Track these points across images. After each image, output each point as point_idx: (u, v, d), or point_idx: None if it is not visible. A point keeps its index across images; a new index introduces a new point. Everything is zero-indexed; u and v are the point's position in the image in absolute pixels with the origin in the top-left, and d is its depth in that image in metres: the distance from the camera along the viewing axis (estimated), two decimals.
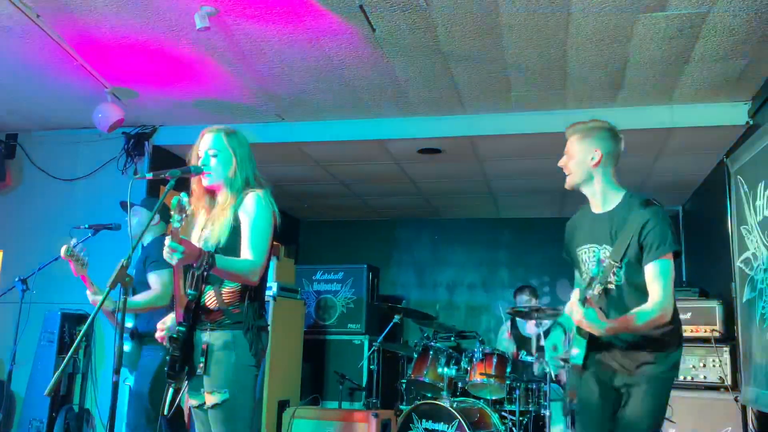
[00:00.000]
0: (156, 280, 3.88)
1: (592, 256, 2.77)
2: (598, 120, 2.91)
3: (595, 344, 2.72)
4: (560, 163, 2.88)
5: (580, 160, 2.83)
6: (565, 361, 2.93)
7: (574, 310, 2.52)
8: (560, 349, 2.96)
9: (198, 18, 3.62)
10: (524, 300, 5.98)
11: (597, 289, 2.53)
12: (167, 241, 2.43)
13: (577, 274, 3.00)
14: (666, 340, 2.68)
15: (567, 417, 5.16)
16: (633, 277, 2.66)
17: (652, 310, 2.57)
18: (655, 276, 2.60)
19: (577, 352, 2.70)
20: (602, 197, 2.82)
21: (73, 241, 3.64)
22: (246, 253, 2.67)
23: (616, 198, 2.80)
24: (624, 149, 2.91)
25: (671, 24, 3.71)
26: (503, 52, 4.11)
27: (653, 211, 2.64)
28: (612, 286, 2.70)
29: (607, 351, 2.73)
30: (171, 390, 2.66)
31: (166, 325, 2.78)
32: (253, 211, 2.71)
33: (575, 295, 2.54)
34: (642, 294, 2.62)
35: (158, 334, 2.79)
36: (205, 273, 2.58)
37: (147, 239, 4.15)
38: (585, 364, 2.73)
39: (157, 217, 4.10)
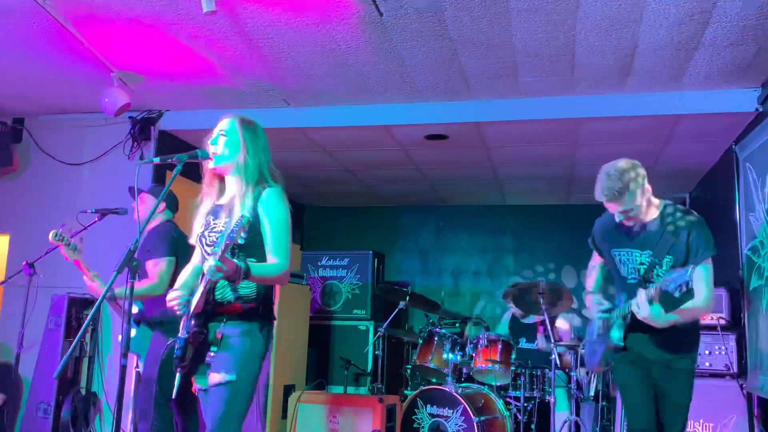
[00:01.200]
0: (153, 268, 3.87)
1: (634, 259, 3.15)
2: (623, 161, 3.12)
3: (632, 330, 3.11)
4: (625, 214, 3.06)
5: (643, 199, 3.08)
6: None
7: (642, 307, 2.87)
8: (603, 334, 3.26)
9: (204, 2, 3.60)
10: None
11: (656, 290, 2.85)
12: (211, 260, 2.45)
13: (596, 257, 3.47)
14: (694, 336, 3.21)
15: (572, 401, 5.15)
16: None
17: (703, 304, 3.01)
18: (701, 277, 3.00)
19: (619, 335, 3.10)
20: (644, 210, 3.10)
21: (62, 227, 3.63)
22: (271, 256, 2.70)
23: (656, 209, 3.15)
24: None
25: (681, 9, 3.68)
26: (511, 37, 4.09)
27: (698, 220, 3.07)
28: (650, 283, 3.05)
29: (644, 341, 3.11)
30: (179, 376, 2.68)
31: (178, 295, 2.76)
32: (275, 211, 2.72)
33: (642, 294, 2.87)
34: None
35: (170, 304, 2.77)
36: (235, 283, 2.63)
37: (153, 225, 4.14)
38: (624, 345, 3.13)
39: (163, 204, 4.09)
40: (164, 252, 3.88)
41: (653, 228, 3.11)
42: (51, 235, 3.58)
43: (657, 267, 3.06)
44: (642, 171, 3.10)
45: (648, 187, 3.10)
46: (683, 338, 3.11)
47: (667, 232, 3.05)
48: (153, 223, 4.10)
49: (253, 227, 2.68)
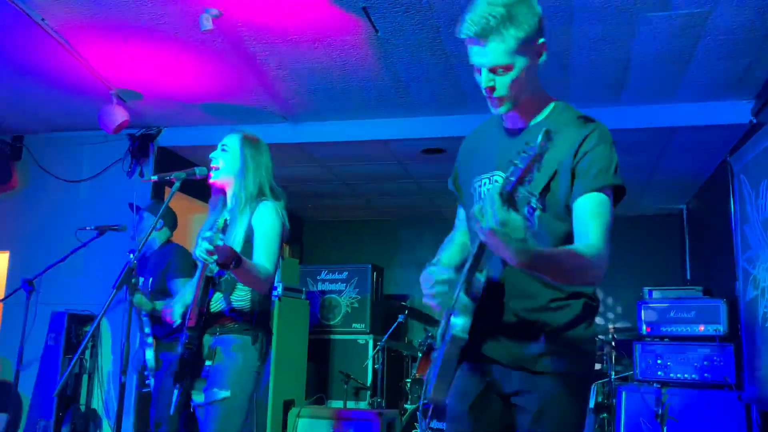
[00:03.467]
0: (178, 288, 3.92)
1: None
2: None
3: (484, 318, 1.76)
4: (486, 87, 1.82)
5: (526, 67, 1.79)
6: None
7: (487, 211, 1.46)
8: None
9: (203, 20, 3.64)
10: None
11: (510, 181, 1.48)
12: (201, 242, 2.41)
13: (461, 212, 2.18)
14: (580, 316, 1.82)
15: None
16: (551, 224, 1.77)
17: (594, 251, 1.67)
18: (590, 215, 1.72)
19: (463, 322, 1.73)
20: (526, 106, 1.90)
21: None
22: (258, 261, 2.70)
23: (543, 107, 1.93)
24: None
25: (674, 23, 3.72)
26: None
27: (598, 127, 1.80)
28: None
29: (493, 332, 1.82)
30: (176, 391, 2.68)
31: (176, 307, 2.82)
32: (265, 223, 2.74)
33: (491, 192, 1.48)
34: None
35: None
36: (229, 270, 2.55)
37: (152, 246, 4.17)
38: (475, 343, 1.78)
39: (161, 223, 4.13)
40: (188, 273, 3.91)
41: (533, 136, 1.58)
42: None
43: (536, 207, 1.58)
44: (538, 14, 1.76)
45: (537, 64, 1.82)
46: (560, 321, 1.79)
47: (554, 143, 1.53)
48: (157, 241, 4.14)
49: (248, 240, 2.71)
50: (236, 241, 2.70)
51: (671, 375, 4.95)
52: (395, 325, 5.85)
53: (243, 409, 2.67)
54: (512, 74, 1.77)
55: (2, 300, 4.95)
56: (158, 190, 5.49)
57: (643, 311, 5.26)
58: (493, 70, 1.77)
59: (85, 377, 5.27)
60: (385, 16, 3.72)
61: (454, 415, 1.91)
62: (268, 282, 2.71)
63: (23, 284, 4.43)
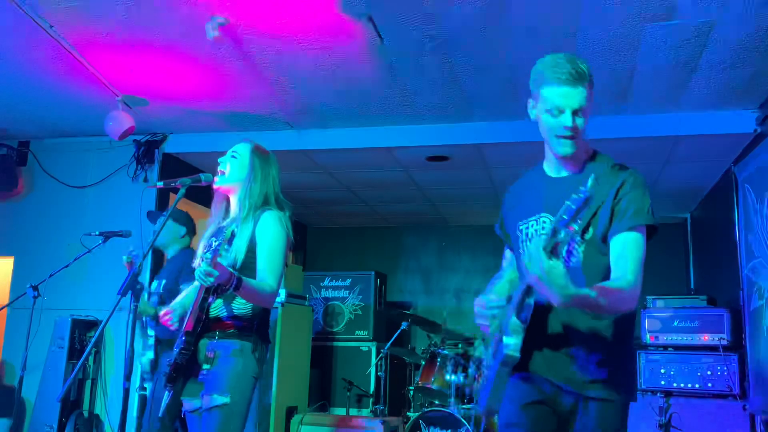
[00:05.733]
0: None
1: (542, 231, 2.09)
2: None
3: (534, 340, 2.00)
4: (570, 126, 2.07)
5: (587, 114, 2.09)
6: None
7: (534, 257, 1.73)
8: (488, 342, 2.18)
9: (209, 28, 3.66)
10: None
11: (555, 231, 1.74)
12: (201, 263, 2.45)
13: (507, 253, 2.44)
14: (624, 345, 2.09)
15: None
16: (593, 257, 2.01)
17: (626, 285, 1.91)
18: (625, 251, 1.96)
19: (515, 342, 1.96)
20: (577, 155, 2.13)
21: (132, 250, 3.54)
22: (262, 276, 2.70)
23: (588, 156, 2.17)
24: None
25: (678, 33, 3.73)
26: (511, 61, 4.14)
27: (632, 173, 2.04)
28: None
29: (550, 354, 2.05)
30: (168, 394, 2.67)
31: (170, 310, 2.80)
32: (270, 234, 2.73)
33: (536, 244, 1.75)
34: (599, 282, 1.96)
35: (163, 320, 2.81)
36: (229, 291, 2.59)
37: (172, 251, 4.22)
38: (524, 361, 2.01)
39: (183, 230, 4.20)
40: None
41: (580, 181, 1.84)
42: (125, 259, 3.42)
43: (578, 245, 2.02)
44: None
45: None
46: (606, 348, 2.03)
47: (598, 189, 1.79)
48: (177, 247, 4.20)
49: (251, 249, 2.71)
50: (239, 251, 2.70)
51: (675, 384, 4.94)
52: (398, 332, 5.85)
53: (242, 415, 2.65)
54: (583, 119, 2.06)
55: (7, 305, 4.96)
56: (163, 196, 5.51)
57: (646, 320, 5.26)
58: (575, 113, 2.04)
59: (88, 383, 5.29)
60: (390, 25, 3.73)
61: (509, 420, 2.11)
62: (271, 298, 2.70)
63: (28, 289, 4.45)
